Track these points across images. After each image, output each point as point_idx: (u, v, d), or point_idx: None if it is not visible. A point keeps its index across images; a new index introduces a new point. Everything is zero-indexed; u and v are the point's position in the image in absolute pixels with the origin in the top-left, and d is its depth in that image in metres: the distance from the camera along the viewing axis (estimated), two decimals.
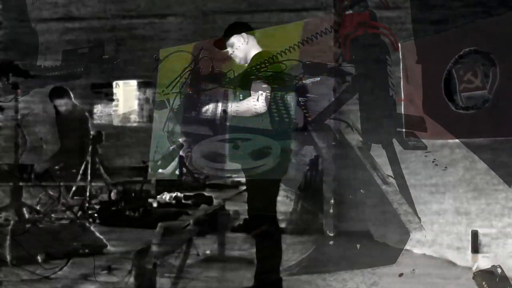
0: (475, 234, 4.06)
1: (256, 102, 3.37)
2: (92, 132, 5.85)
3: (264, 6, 5.46)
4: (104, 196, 5.90)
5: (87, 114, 6.21)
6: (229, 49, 3.70)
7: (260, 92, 3.36)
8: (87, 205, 5.64)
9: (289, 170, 3.64)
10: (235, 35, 3.66)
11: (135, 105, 6.84)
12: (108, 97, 6.54)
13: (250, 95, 3.41)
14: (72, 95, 6.02)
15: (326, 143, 4.89)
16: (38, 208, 5.18)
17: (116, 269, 4.10)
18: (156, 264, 3.63)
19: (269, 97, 3.39)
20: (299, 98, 3.77)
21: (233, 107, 3.48)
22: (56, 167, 5.65)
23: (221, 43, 3.72)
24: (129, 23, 6.02)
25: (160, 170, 4.69)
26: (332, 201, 4.99)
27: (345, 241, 4.78)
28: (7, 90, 5.11)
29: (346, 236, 4.92)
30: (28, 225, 4.58)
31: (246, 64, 3.61)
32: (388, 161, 4.59)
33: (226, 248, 4.62)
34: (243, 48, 3.64)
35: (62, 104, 5.97)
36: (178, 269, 3.97)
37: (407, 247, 4.43)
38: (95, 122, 6.50)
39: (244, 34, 3.65)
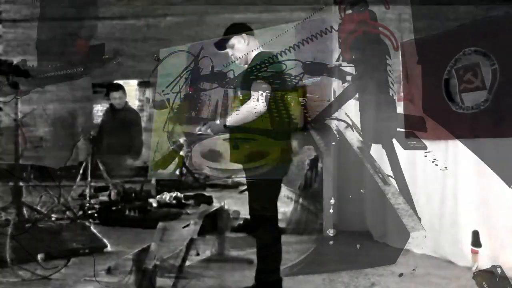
0: (475, 234, 4.06)
1: (256, 102, 3.36)
2: (92, 132, 5.85)
3: (264, 6, 5.46)
4: (104, 196, 5.91)
5: (139, 113, 6.32)
6: (229, 50, 3.69)
7: (260, 92, 3.37)
8: (87, 205, 5.64)
9: (289, 170, 3.64)
10: (235, 36, 3.65)
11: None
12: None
13: (250, 95, 3.41)
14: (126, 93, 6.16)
15: (326, 143, 4.88)
16: (38, 208, 5.18)
17: (116, 269, 4.10)
18: (156, 264, 3.63)
19: (269, 96, 3.39)
20: (299, 98, 3.77)
21: (233, 117, 3.47)
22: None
23: (221, 44, 3.72)
24: (129, 23, 6.01)
25: (160, 170, 4.69)
26: (332, 201, 4.99)
27: (345, 241, 4.78)
28: (7, 90, 5.10)
29: (346, 236, 4.92)
30: (28, 225, 4.58)
31: (247, 65, 3.61)
32: (388, 161, 4.59)
33: (226, 248, 4.62)
34: (243, 49, 3.64)
35: (117, 96, 6.06)
36: (178, 269, 3.96)
37: (407, 247, 4.42)
38: (94, 122, 6.51)
39: (244, 35, 3.65)
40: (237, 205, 5.15)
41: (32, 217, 5.00)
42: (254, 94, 3.37)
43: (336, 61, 4.72)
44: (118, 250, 4.64)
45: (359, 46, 4.63)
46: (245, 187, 3.66)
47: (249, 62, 3.60)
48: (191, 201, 5.90)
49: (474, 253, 4.02)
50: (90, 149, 5.79)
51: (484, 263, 3.84)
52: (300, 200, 5.52)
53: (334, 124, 4.82)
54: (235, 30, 3.69)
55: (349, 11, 4.70)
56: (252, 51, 3.63)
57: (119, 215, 5.62)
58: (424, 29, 4.47)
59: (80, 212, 5.52)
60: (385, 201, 4.58)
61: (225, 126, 3.49)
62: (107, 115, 6.20)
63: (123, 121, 6.07)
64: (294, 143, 3.66)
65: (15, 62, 5.19)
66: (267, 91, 3.37)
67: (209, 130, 3.56)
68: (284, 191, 5.22)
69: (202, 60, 4.01)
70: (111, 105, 6.17)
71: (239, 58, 3.65)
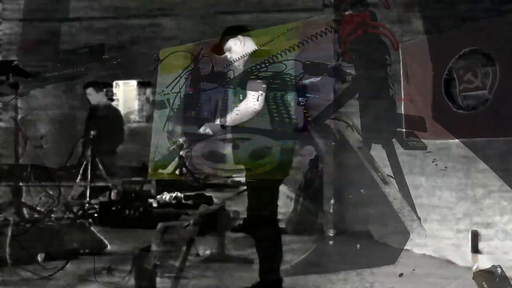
0: (475, 234, 4.06)
1: (252, 101, 3.35)
2: (92, 132, 5.86)
3: (264, 6, 5.47)
4: (104, 196, 5.91)
5: (120, 111, 6.39)
6: (227, 54, 3.69)
7: (256, 90, 3.36)
8: (87, 205, 5.64)
9: (290, 170, 3.64)
10: (231, 39, 3.65)
11: (135, 105, 6.85)
12: (108, 97, 6.55)
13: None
14: (101, 89, 6.25)
15: (326, 143, 4.88)
16: (38, 208, 5.18)
17: (116, 269, 4.10)
18: (156, 264, 3.63)
19: (264, 95, 3.38)
20: (299, 98, 3.77)
21: (231, 117, 3.47)
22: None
23: (219, 48, 3.72)
24: (129, 23, 6.02)
25: (160, 170, 4.69)
26: (332, 201, 4.99)
27: (345, 241, 4.78)
28: (7, 90, 5.11)
29: (346, 236, 4.92)
30: (28, 225, 4.58)
31: (242, 67, 3.60)
32: (388, 161, 4.59)
33: (226, 248, 4.62)
34: (240, 50, 3.62)
35: (86, 93, 6.11)
36: (178, 269, 3.96)
37: (407, 247, 4.43)
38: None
39: (240, 37, 3.64)
40: (237, 205, 5.14)
41: (32, 217, 5.00)
42: (250, 93, 3.37)
43: (336, 61, 4.72)
44: (118, 250, 4.64)
45: (359, 46, 4.63)
46: (245, 187, 3.66)
47: (246, 63, 3.59)
48: (191, 201, 5.91)
49: (474, 253, 4.02)
50: (90, 149, 5.79)
51: (484, 263, 3.84)
52: (300, 200, 5.52)
53: (334, 124, 4.82)
54: (231, 32, 3.69)
55: (349, 11, 4.70)
56: (249, 52, 3.62)
57: (119, 215, 5.62)
58: (425, 29, 4.48)
59: (80, 212, 5.52)
60: (385, 201, 4.58)
61: (222, 126, 3.49)
62: (90, 113, 6.28)
63: (104, 118, 6.13)
64: (294, 143, 3.66)
65: (15, 62, 5.20)
66: (262, 90, 3.36)
67: (208, 130, 3.56)
68: (284, 191, 5.22)
69: (202, 60, 4.00)
70: (95, 104, 6.24)
71: (237, 60, 3.64)
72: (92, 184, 5.74)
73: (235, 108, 3.46)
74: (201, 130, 3.57)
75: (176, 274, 3.92)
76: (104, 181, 5.85)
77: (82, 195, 5.82)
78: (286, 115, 3.50)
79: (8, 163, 5.32)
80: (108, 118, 6.22)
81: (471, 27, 4.13)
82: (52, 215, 5.12)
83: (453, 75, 4.25)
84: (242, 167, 3.56)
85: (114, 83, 6.78)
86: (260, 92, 3.36)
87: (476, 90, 4.11)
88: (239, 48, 3.63)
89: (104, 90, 6.30)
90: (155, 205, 5.87)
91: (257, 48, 3.63)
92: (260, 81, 3.38)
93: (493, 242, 4.04)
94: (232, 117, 3.46)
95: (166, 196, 5.98)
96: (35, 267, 4.06)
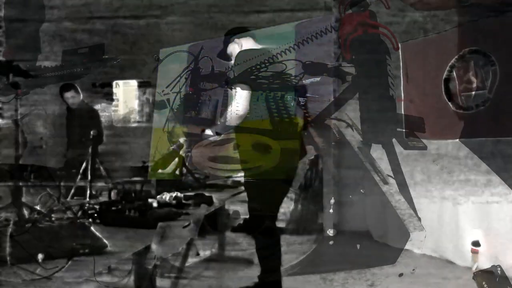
0: (475, 234, 4.06)
1: (236, 105, 3.34)
2: (92, 132, 5.85)
3: (264, 6, 5.46)
4: (104, 196, 5.90)
5: (95, 108, 6.38)
6: (232, 59, 3.69)
7: (239, 94, 3.35)
8: (87, 205, 5.64)
9: (291, 171, 3.63)
10: (230, 44, 3.67)
11: (135, 105, 6.84)
12: (108, 97, 6.55)
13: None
14: (80, 91, 6.20)
15: (326, 143, 4.88)
16: (38, 208, 5.17)
17: (116, 269, 4.10)
18: (156, 264, 3.63)
19: (249, 97, 3.37)
20: (299, 98, 3.77)
21: (221, 124, 3.46)
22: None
23: (224, 55, 3.73)
24: (129, 23, 6.01)
25: (160, 170, 4.69)
26: (332, 201, 4.99)
27: (345, 241, 4.78)
28: (7, 90, 5.10)
29: (346, 236, 4.92)
30: (28, 225, 4.58)
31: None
32: (388, 161, 4.59)
33: (226, 248, 4.62)
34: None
35: (69, 96, 6.10)
36: (178, 269, 3.96)
37: (407, 247, 4.42)
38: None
39: (236, 39, 3.65)
40: (237, 205, 5.14)
41: (32, 217, 5.00)
42: (234, 97, 3.36)
43: (336, 61, 4.72)
44: (118, 250, 4.63)
45: (359, 46, 4.62)
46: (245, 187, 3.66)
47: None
48: (191, 201, 5.90)
49: (474, 253, 4.02)
50: (90, 149, 5.79)
51: (484, 263, 3.84)
52: (300, 200, 5.52)
53: (334, 124, 4.82)
54: (230, 33, 3.69)
55: (349, 11, 4.70)
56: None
57: (119, 215, 5.61)
58: (425, 29, 4.48)
59: (80, 212, 5.52)
60: (385, 201, 4.58)
61: (217, 133, 3.48)
62: (67, 115, 6.26)
63: (81, 119, 6.13)
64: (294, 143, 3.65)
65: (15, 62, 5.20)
66: (246, 92, 3.34)
67: (209, 132, 3.56)
68: None
69: (202, 60, 4.01)
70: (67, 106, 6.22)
71: None
72: (92, 184, 5.74)
73: (228, 112, 3.45)
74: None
75: (176, 274, 3.92)
76: (104, 181, 5.85)
77: (82, 195, 5.81)
78: (286, 115, 3.51)
79: (8, 163, 5.31)
80: (87, 119, 6.21)
81: (471, 27, 4.14)
82: (52, 215, 5.12)
83: (453, 75, 4.25)
84: (241, 167, 3.56)
85: (114, 83, 6.77)
86: (245, 93, 3.34)
87: (476, 90, 4.11)
88: (238, 51, 3.63)
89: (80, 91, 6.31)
90: (155, 205, 5.86)
91: (257, 46, 3.64)
92: (241, 83, 3.36)
93: (493, 242, 4.04)
94: (225, 122, 3.45)
95: (166, 196, 5.96)
96: (35, 267, 4.06)
